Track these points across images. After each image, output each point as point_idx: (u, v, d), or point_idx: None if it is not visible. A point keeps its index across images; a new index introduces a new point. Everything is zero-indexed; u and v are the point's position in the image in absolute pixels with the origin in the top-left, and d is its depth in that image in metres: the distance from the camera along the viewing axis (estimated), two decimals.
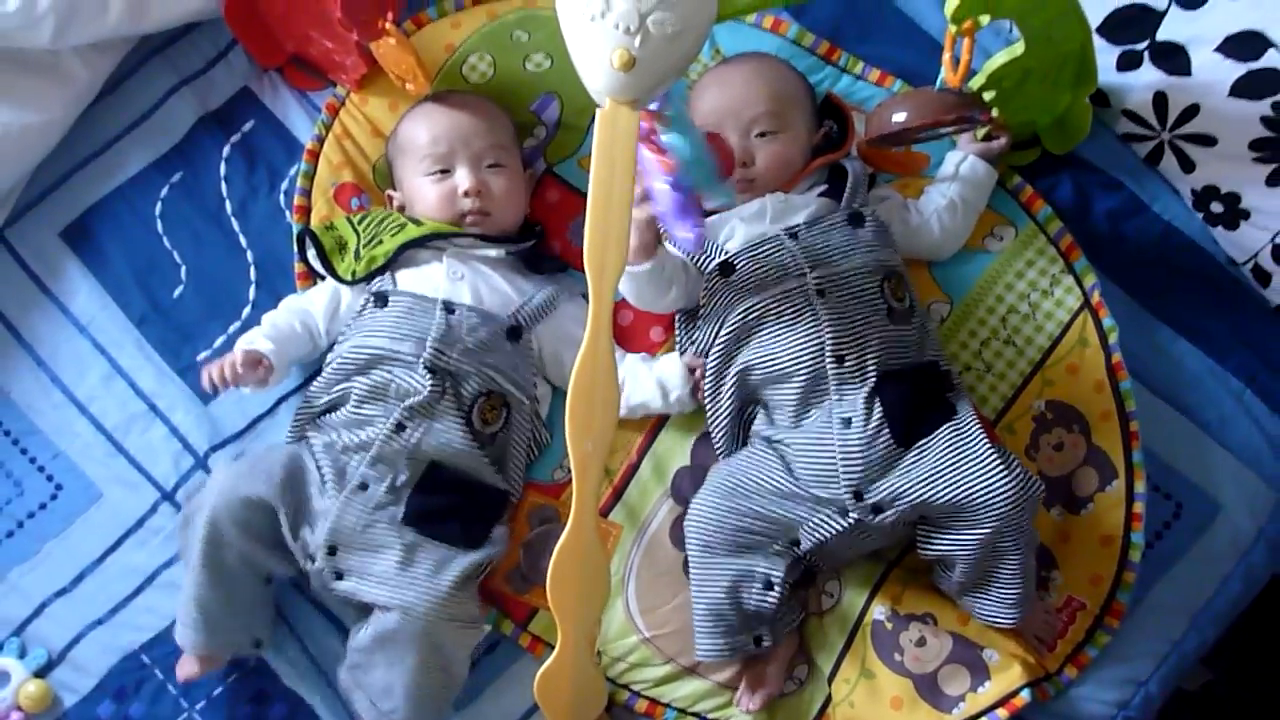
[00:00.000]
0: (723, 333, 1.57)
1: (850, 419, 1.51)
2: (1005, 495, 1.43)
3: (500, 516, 1.58)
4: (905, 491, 1.48)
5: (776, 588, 1.50)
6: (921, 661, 1.56)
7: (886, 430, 1.50)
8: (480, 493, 1.55)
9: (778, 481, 1.52)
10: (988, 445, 1.47)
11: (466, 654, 1.50)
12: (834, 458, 1.50)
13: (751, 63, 1.70)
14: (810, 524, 1.51)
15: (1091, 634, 1.59)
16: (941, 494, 1.46)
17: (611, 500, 1.63)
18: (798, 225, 1.59)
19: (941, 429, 1.50)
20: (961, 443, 1.48)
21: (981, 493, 1.44)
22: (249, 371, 1.53)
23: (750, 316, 1.56)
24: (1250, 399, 1.73)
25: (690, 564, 1.53)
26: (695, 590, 1.52)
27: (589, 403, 1.22)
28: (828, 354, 1.52)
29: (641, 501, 1.63)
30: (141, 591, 1.62)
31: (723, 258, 1.58)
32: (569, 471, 1.61)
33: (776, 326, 1.55)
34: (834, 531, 1.50)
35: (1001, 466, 1.45)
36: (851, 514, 1.50)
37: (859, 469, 1.49)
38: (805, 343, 1.53)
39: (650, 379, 1.60)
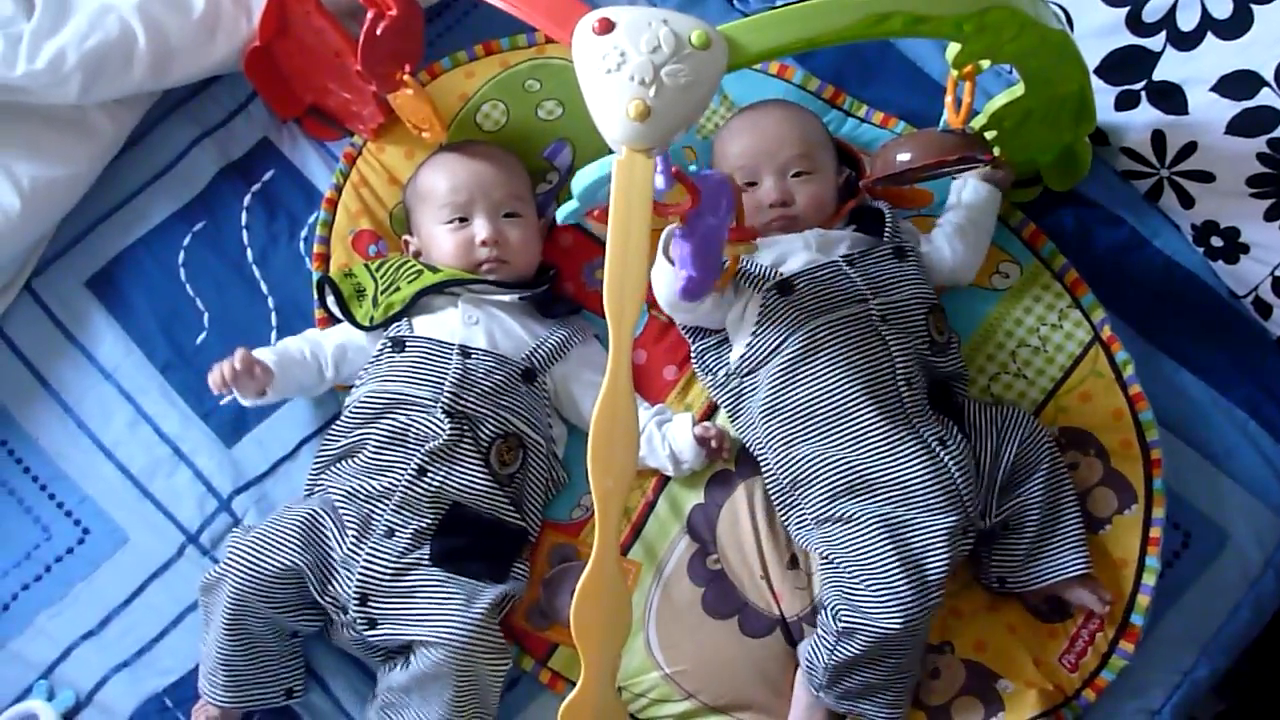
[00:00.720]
0: (785, 352, 1.57)
1: (943, 438, 1.54)
2: (1036, 425, 1.58)
3: (520, 553, 1.60)
4: (988, 483, 1.54)
5: None
6: (935, 693, 1.58)
7: (967, 442, 1.55)
8: (500, 532, 1.57)
9: (906, 516, 1.51)
10: (991, 404, 1.61)
11: (499, 685, 1.51)
12: (950, 478, 1.52)
13: (780, 108, 1.74)
14: (940, 554, 1.50)
15: (1107, 658, 1.60)
16: (1003, 459, 1.54)
17: (630, 538, 1.65)
18: (851, 254, 1.62)
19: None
20: (984, 416, 1.59)
21: (1026, 434, 1.56)
22: (246, 373, 1.55)
23: (817, 338, 1.56)
24: (1255, 430, 1.75)
25: (904, 654, 1.49)
26: (900, 663, 1.50)
27: (609, 443, 1.24)
28: (899, 378, 1.55)
29: (660, 539, 1.64)
30: (166, 635, 1.64)
31: (779, 278, 1.59)
32: (587, 510, 1.66)
33: (846, 349, 1.56)
34: (964, 554, 1.54)
35: (1014, 409, 1.60)
36: (970, 530, 1.53)
37: (974, 479, 1.53)
38: (878, 367, 1.55)
39: (663, 449, 1.63)
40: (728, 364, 1.65)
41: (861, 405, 1.54)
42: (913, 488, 1.52)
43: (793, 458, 1.57)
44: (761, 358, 1.60)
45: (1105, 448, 1.67)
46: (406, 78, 1.67)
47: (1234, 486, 1.72)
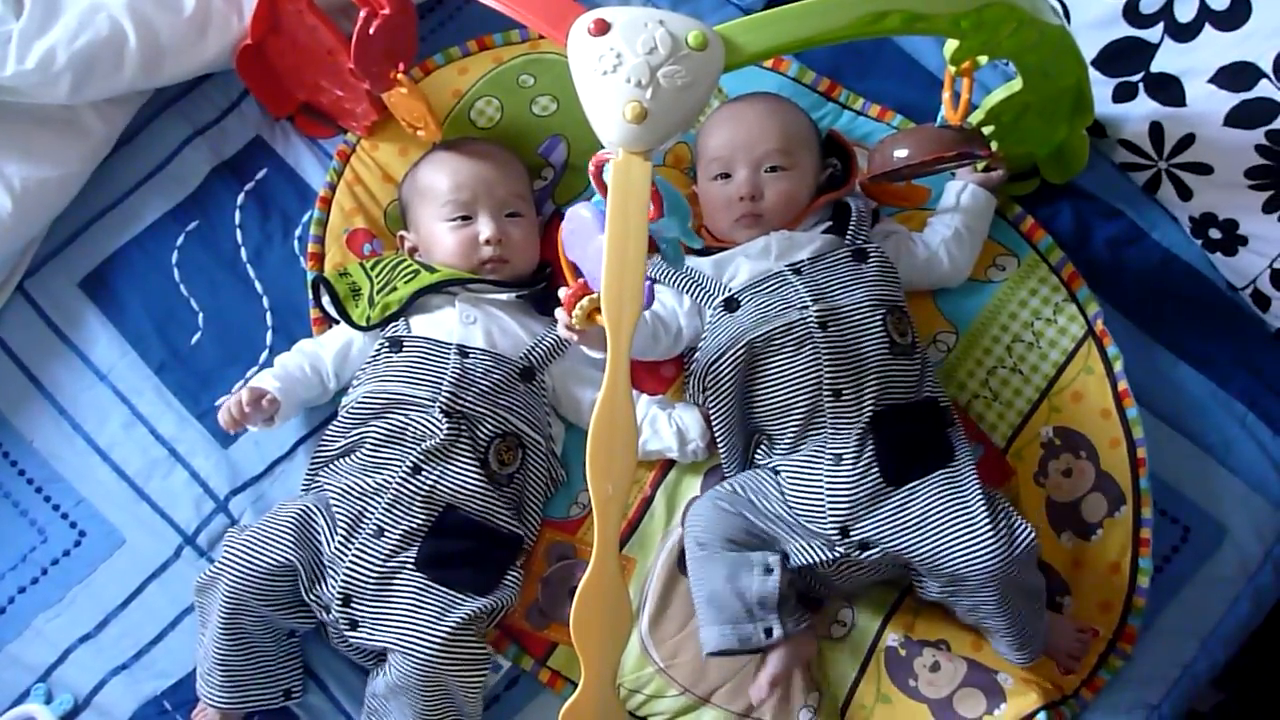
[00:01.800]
0: (725, 364, 1.58)
1: (841, 455, 1.53)
2: (991, 563, 1.44)
3: (513, 561, 1.58)
4: (890, 535, 1.50)
5: (775, 571, 1.50)
6: (936, 686, 1.58)
7: (876, 468, 1.52)
8: (493, 538, 1.56)
9: (771, 505, 1.55)
10: (981, 503, 1.48)
11: (476, 695, 1.50)
12: (821, 493, 1.53)
13: (764, 101, 1.73)
14: (796, 547, 1.53)
15: (1105, 658, 1.60)
16: (925, 550, 1.48)
17: (626, 533, 1.64)
18: (801, 261, 1.62)
19: (938, 475, 1.52)
20: (953, 500, 1.49)
21: (967, 558, 1.45)
22: (255, 408, 1.55)
23: (754, 349, 1.57)
24: (1253, 422, 1.75)
25: (688, 561, 1.54)
26: (694, 583, 1.53)
27: (609, 446, 1.24)
28: (824, 388, 1.55)
29: (655, 534, 1.64)
30: (164, 637, 1.63)
31: (726, 294, 1.61)
32: (585, 508, 1.66)
33: (778, 358, 1.57)
34: (819, 559, 1.52)
35: (989, 531, 1.45)
36: (838, 548, 1.52)
37: (844, 506, 1.52)
38: (804, 375, 1.55)
39: (669, 428, 1.63)
40: (690, 379, 1.67)
41: (787, 412, 1.56)
42: (788, 479, 1.56)
43: (736, 458, 1.63)
44: (705, 370, 1.61)
45: (1095, 450, 1.67)
46: (400, 76, 1.66)
47: (1232, 479, 1.72)
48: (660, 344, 1.64)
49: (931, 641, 1.60)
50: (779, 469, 1.58)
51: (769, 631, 1.50)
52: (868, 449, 1.53)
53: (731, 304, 1.60)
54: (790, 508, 1.55)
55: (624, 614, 1.32)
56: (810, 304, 1.57)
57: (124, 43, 1.70)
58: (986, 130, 1.65)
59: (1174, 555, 1.68)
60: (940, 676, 1.58)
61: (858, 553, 1.52)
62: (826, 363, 1.54)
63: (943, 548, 1.47)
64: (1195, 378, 1.77)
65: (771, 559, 1.51)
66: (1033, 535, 1.47)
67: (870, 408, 1.54)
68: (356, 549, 1.51)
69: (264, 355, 1.74)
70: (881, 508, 1.51)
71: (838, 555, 1.52)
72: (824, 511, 1.52)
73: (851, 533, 1.51)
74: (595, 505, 1.24)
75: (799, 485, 1.55)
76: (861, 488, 1.52)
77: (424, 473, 1.53)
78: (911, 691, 1.58)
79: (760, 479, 1.58)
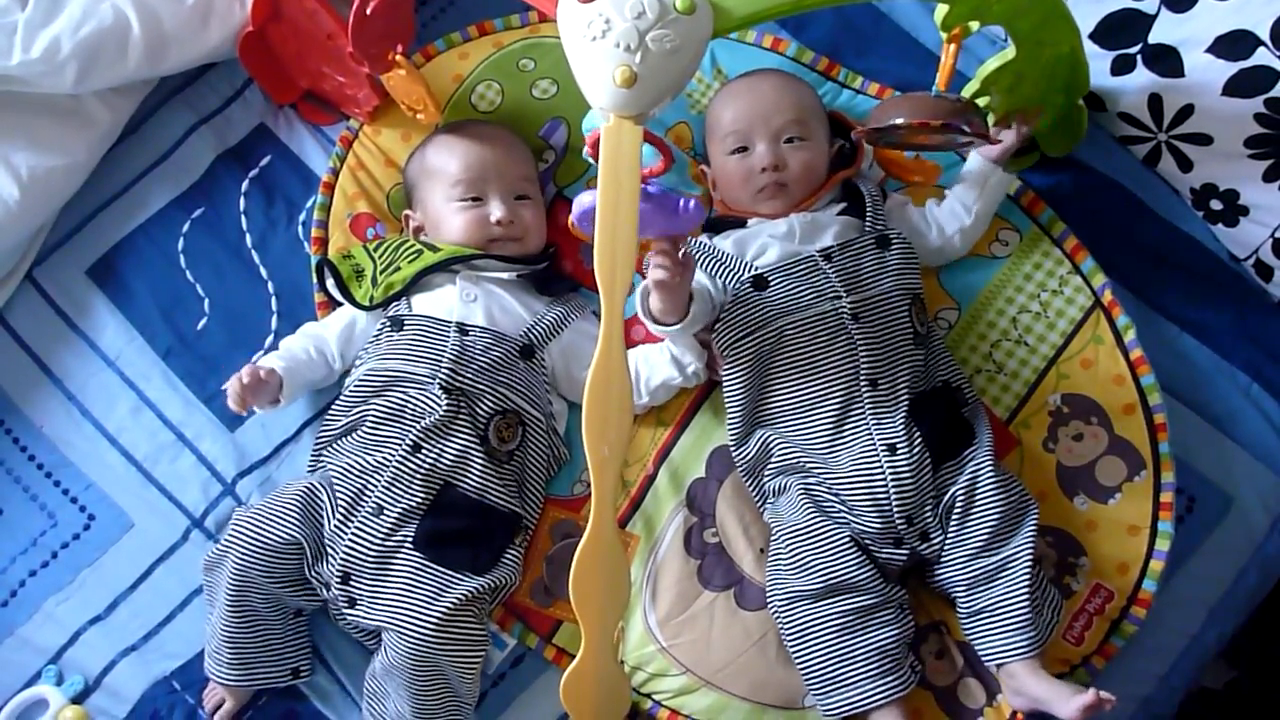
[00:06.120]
0: (751, 346, 1.58)
1: (894, 445, 1.53)
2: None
3: (511, 540, 1.58)
4: (941, 511, 1.52)
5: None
6: (941, 674, 1.58)
7: (928, 455, 1.53)
8: (491, 517, 1.56)
9: (843, 532, 1.52)
10: (993, 482, 1.51)
11: (472, 675, 1.50)
12: (885, 485, 1.51)
13: (775, 75, 1.74)
14: (880, 562, 1.52)
15: (1118, 625, 1.59)
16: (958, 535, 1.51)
17: (629, 511, 1.65)
18: (831, 247, 1.62)
19: (964, 457, 1.54)
20: (972, 482, 1.52)
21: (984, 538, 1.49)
22: (255, 380, 1.56)
23: (784, 335, 1.58)
24: (1258, 393, 1.74)
25: (825, 633, 1.49)
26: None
27: (604, 409, 1.25)
28: (862, 379, 1.55)
29: (658, 512, 1.64)
30: (173, 619, 1.64)
31: (755, 272, 1.60)
32: (589, 486, 1.65)
33: (811, 348, 1.57)
34: (898, 566, 1.53)
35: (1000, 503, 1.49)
36: (906, 543, 1.52)
37: (911, 494, 1.51)
38: (841, 367, 1.56)
39: (662, 357, 1.63)
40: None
41: (821, 402, 1.56)
42: (841, 480, 1.53)
43: (755, 439, 1.60)
44: (729, 348, 1.60)
45: (1108, 415, 1.66)
46: (399, 58, 1.68)
47: (1238, 450, 1.71)
48: (712, 315, 1.63)
49: (934, 622, 1.60)
50: (823, 474, 1.55)
51: (914, 666, 1.53)
52: (915, 436, 1.53)
53: (760, 282, 1.60)
54: (852, 512, 1.53)
55: (622, 579, 1.33)
56: (843, 294, 1.57)
57: (128, 31, 1.73)
58: (982, 101, 1.64)
59: (1180, 525, 1.66)
60: (944, 664, 1.58)
61: (920, 545, 1.52)
62: (863, 352, 1.55)
63: (967, 530, 1.50)
64: (1198, 349, 1.76)
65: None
66: (1032, 503, 1.51)
67: (905, 396, 1.55)
68: (356, 527, 1.52)
69: (269, 340, 1.76)
70: (932, 495, 1.52)
71: (907, 552, 1.52)
72: (889, 504, 1.51)
73: (915, 522, 1.51)
74: (592, 467, 1.25)
75: (857, 483, 1.53)
76: (921, 475, 1.52)
77: (424, 451, 1.54)
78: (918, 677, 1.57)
79: (811, 520, 1.54)
